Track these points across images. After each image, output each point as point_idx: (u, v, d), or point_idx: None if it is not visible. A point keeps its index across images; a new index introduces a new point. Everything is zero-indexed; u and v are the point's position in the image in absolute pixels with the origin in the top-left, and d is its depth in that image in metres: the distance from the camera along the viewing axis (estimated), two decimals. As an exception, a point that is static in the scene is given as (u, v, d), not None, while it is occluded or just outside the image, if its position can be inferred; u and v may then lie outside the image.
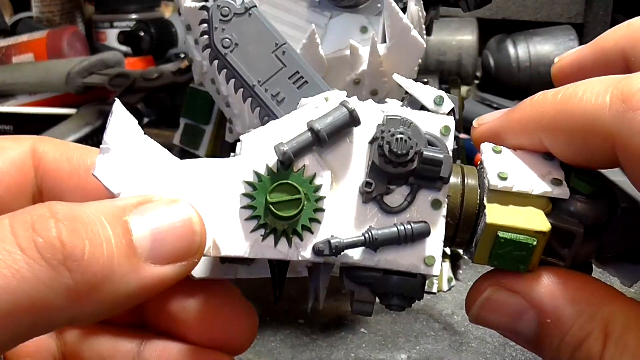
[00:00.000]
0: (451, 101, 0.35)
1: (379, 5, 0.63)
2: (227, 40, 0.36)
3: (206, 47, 0.37)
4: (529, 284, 0.33)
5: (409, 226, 0.33)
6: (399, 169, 0.33)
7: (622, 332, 0.31)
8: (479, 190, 0.35)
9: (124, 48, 1.33)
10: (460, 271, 0.83)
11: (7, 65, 1.19)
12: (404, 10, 0.61)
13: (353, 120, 0.34)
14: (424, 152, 0.33)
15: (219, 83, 0.66)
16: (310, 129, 0.34)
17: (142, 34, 1.32)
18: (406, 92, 0.36)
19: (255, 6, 0.36)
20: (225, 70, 0.37)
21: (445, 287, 0.79)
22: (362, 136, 0.35)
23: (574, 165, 0.35)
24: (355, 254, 0.34)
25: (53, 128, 0.99)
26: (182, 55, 1.24)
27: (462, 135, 0.89)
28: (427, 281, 0.36)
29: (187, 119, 0.82)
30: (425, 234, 0.34)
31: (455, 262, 0.83)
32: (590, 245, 0.34)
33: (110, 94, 1.08)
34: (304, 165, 0.34)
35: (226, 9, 0.36)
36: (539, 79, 1.27)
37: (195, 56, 0.69)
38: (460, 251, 0.80)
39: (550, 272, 0.33)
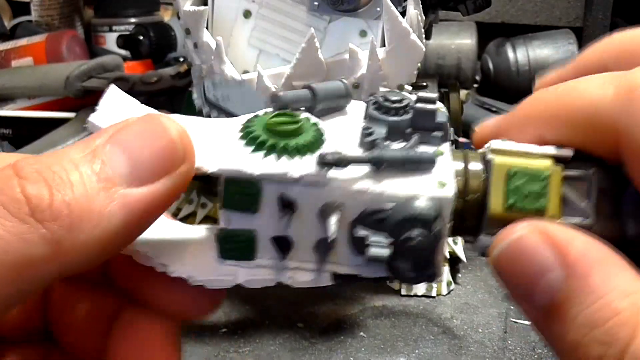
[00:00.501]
0: (434, 93, 0.35)
1: (378, 9, 0.63)
2: None
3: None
4: (568, 238, 0.29)
5: (414, 152, 0.32)
6: (395, 116, 0.33)
7: None
8: (483, 174, 0.33)
9: (123, 52, 1.33)
10: (460, 275, 0.83)
11: (6, 69, 1.19)
12: (403, 14, 0.61)
13: (347, 92, 0.34)
14: (418, 93, 0.33)
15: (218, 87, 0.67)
16: (307, 87, 0.33)
17: (141, 37, 1.32)
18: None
19: None
20: None
21: (444, 291, 0.79)
22: (356, 114, 0.34)
23: None
24: (361, 174, 0.31)
25: (52, 132, 0.99)
26: (182, 59, 1.25)
27: (461, 139, 0.89)
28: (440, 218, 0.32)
29: (186, 122, 0.82)
30: (432, 160, 0.32)
31: (454, 266, 0.83)
32: (610, 211, 0.33)
33: (109, 98, 1.08)
34: (300, 113, 0.33)
35: None
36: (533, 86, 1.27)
37: (194, 60, 0.69)
38: (463, 255, 0.81)
39: (590, 236, 0.29)
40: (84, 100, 1.07)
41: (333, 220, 0.32)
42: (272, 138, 0.31)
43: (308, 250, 0.33)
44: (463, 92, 1.23)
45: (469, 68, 1.28)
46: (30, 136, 0.96)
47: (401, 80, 0.62)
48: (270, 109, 0.33)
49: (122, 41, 1.34)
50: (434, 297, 0.78)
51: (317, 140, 0.32)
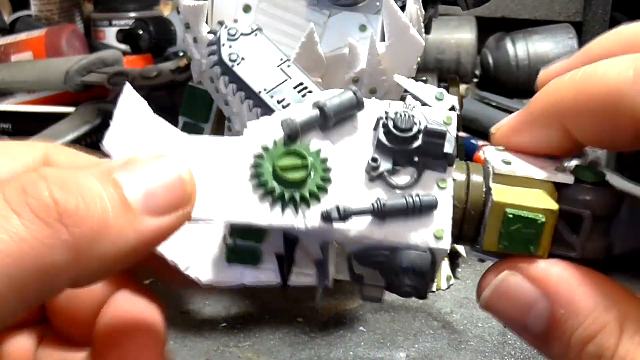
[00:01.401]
0: (452, 97, 0.35)
1: (378, 3, 0.63)
2: (235, 54, 0.37)
3: (214, 64, 0.38)
4: (544, 271, 0.32)
5: (417, 198, 0.33)
6: (403, 145, 0.33)
7: (638, 328, 0.30)
8: (484, 185, 0.34)
9: (122, 46, 1.33)
10: (459, 269, 0.83)
11: (6, 64, 1.19)
12: (402, 8, 0.61)
13: (358, 102, 0.34)
14: (428, 125, 0.33)
15: (217, 82, 0.66)
16: (316, 106, 0.34)
17: (140, 32, 1.32)
18: (405, 91, 0.36)
19: (261, 29, 0.37)
20: (233, 84, 0.38)
21: (444, 285, 0.79)
22: (366, 123, 0.35)
23: (599, 148, 0.35)
24: (363, 225, 0.33)
25: (52, 126, 0.99)
26: (181, 54, 1.24)
27: (461, 134, 0.89)
28: (436, 266, 0.34)
29: (186, 117, 0.82)
30: (433, 206, 0.33)
31: (454, 260, 0.83)
32: (599, 239, 0.34)
33: (108, 93, 1.08)
34: (310, 141, 0.34)
35: (233, 29, 0.38)
36: (537, 77, 1.27)
37: (194, 54, 0.69)
38: (463, 250, 0.81)
39: (566, 263, 0.32)
40: (84, 94, 1.07)
41: (331, 268, 0.35)
42: (280, 185, 0.33)
43: (309, 264, 0.36)
44: (463, 87, 1.23)
45: (468, 62, 1.28)
46: (29, 131, 0.96)
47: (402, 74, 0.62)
48: (280, 137, 0.34)
49: (122, 36, 1.34)
50: (433, 291, 0.78)
51: (324, 185, 0.33)
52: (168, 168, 0.30)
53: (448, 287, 0.79)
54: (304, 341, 0.69)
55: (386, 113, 0.34)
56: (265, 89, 0.37)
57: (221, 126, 0.79)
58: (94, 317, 0.35)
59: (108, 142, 0.34)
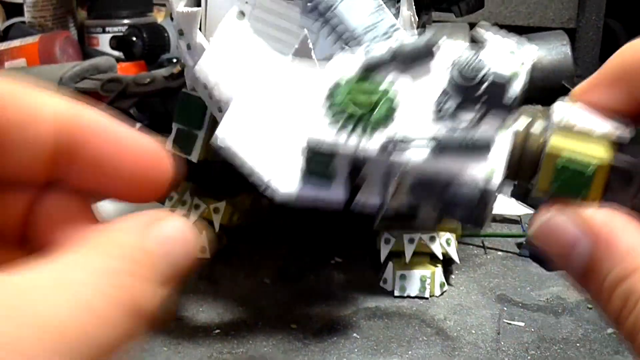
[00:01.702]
0: (525, 53, 0.37)
1: None
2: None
3: (313, 8, 0.39)
4: (590, 214, 0.34)
5: (475, 136, 0.35)
6: (470, 88, 0.36)
7: None
8: (543, 133, 0.36)
9: (116, 53, 1.33)
10: (453, 276, 0.83)
11: (-1, 71, 1.19)
12: (396, 15, 0.61)
13: (434, 45, 0.37)
14: (496, 72, 0.35)
15: (211, 88, 0.66)
16: (396, 45, 0.37)
17: (134, 39, 1.32)
18: (472, 40, 0.38)
19: None
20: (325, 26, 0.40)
21: (437, 292, 0.79)
22: (440, 66, 0.37)
23: None
24: (421, 156, 0.35)
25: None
26: (175, 61, 1.24)
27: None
28: (489, 203, 0.36)
29: (180, 124, 0.82)
30: (489, 146, 0.35)
31: (447, 267, 0.83)
32: None
33: (102, 99, 1.08)
34: (384, 75, 0.37)
35: None
36: (531, 83, 1.27)
37: (187, 61, 0.69)
38: (456, 257, 0.81)
39: (612, 210, 0.34)
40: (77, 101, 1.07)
41: (391, 190, 0.37)
42: (350, 109, 0.36)
43: (373, 192, 0.38)
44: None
45: (462, 69, 1.28)
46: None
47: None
48: (356, 70, 0.37)
49: (115, 42, 1.34)
50: (427, 298, 0.78)
51: (390, 116, 0.36)
52: (192, 243, 0.29)
53: (442, 294, 0.79)
54: (297, 348, 0.69)
55: (459, 57, 0.36)
56: (360, 28, 0.39)
57: (215, 132, 0.79)
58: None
59: (205, 61, 0.36)
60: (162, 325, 0.28)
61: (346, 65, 0.37)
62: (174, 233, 0.29)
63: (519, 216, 0.94)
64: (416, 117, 0.36)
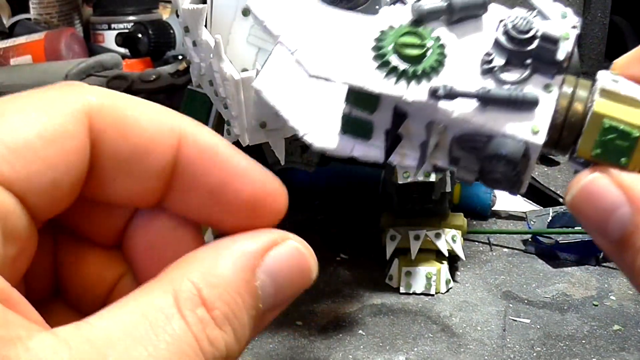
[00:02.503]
0: (575, 18, 0.37)
1: (377, 7, 0.63)
2: None
3: None
4: (633, 179, 0.33)
5: (521, 92, 0.35)
6: (519, 46, 0.36)
7: None
8: (588, 97, 0.36)
9: (122, 50, 1.33)
10: (458, 273, 0.83)
11: (5, 67, 1.19)
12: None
13: (484, 2, 0.37)
14: (545, 31, 0.36)
15: (217, 85, 0.66)
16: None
17: (140, 35, 1.32)
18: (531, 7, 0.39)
19: None
20: None
21: (443, 289, 0.79)
22: (488, 25, 0.37)
23: None
24: (467, 108, 0.35)
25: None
26: (180, 57, 1.24)
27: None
28: (531, 158, 0.36)
29: (185, 120, 0.82)
30: (535, 102, 0.35)
31: (453, 264, 0.83)
32: None
33: (108, 96, 1.08)
34: (433, 28, 0.37)
35: None
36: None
37: (193, 58, 0.69)
38: (462, 254, 0.81)
39: None
40: (83, 98, 1.07)
41: (433, 142, 0.37)
42: (397, 59, 0.35)
43: (414, 145, 0.38)
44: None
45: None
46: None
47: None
48: (406, 21, 0.37)
49: (121, 39, 1.34)
50: (432, 295, 0.78)
51: (437, 67, 0.36)
52: (301, 260, 0.29)
53: (447, 291, 0.79)
54: (303, 344, 0.69)
55: (508, 17, 0.36)
56: None
57: (220, 129, 0.79)
58: (108, 292, 0.33)
59: (254, 2, 0.37)
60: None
61: (396, 14, 0.37)
62: (289, 261, 0.29)
63: (525, 213, 0.94)
64: (464, 71, 0.36)
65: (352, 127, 0.38)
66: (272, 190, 0.29)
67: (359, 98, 0.37)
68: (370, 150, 0.38)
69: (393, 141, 0.38)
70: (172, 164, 0.28)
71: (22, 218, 0.25)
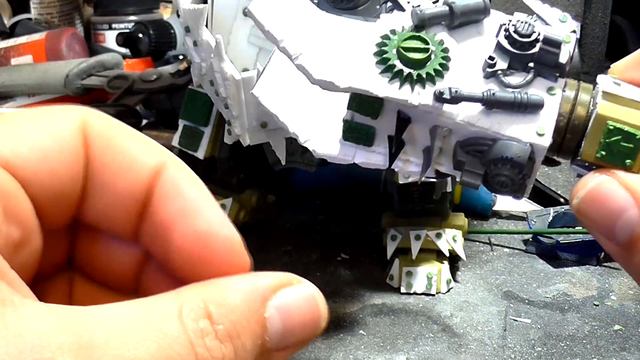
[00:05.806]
0: (574, 22, 0.38)
1: (378, 7, 0.63)
2: None
3: None
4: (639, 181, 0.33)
5: (525, 95, 0.35)
6: (521, 50, 0.36)
7: None
8: (591, 100, 0.36)
9: (122, 50, 1.33)
10: (459, 273, 0.83)
11: (6, 67, 1.19)
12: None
13: (485, 7, 0.37)
14: (546, 34, 0.36)
15: (218, 85, 0.67)
16: (446, 4, 0.37)
17: (140, 35, 1.32)
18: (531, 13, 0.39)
19: None
20: None
21: (444, 289, 0.79)
22: (490, 30, 0.37)
23: None
24: (471, 111, 0.35)
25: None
26: (181, 57, 1.24)
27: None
28: (536, 157, 0.36)
29: (186, 120, 0.82)
30: (539, 105, 0.35)
31: (453, 264, 0.83)
32: None
33: (109, 96, 1.08)
34: (435, 33, 0.37)
35: None
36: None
37: (194, 58, 0.69)
38: (462, 254, 0.81)
39: None
40: (84, 98, 1.07)
41: (437, 146, 0.37)
42: (400, 63, 0.35)
43: (417, 150, 0.38)
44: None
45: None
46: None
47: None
48: (408, 25, 0.37)
49: (122, 39, 1.34)
50: (433, 295, 0.78)
51: (441, 71, 0.36)
52: (310, 302, 0.29)
53: (448, 291, 0.79)
54: (304, 344, 0.69)
55: (509, 21, 0.37)
56: None
57: (221, 129, 0.79)
58: (135, 276, 0.31)
59: (255, 6, 0.37)
60: None
61: (397, 20, 0.37)
62: (300, 302, 0.28)
63: (525, 213, 0.94)
64: (467, 74, 0.36)
65: (354, 133, 0.38)
66: (223, 236, 0.28)
67: (362, 104, 0.37)
68: (373, 157, 0.38)
69: (396, 147, 0.38)
70: (145, 193, 0.28)
71: (25, 203, 0.25)
